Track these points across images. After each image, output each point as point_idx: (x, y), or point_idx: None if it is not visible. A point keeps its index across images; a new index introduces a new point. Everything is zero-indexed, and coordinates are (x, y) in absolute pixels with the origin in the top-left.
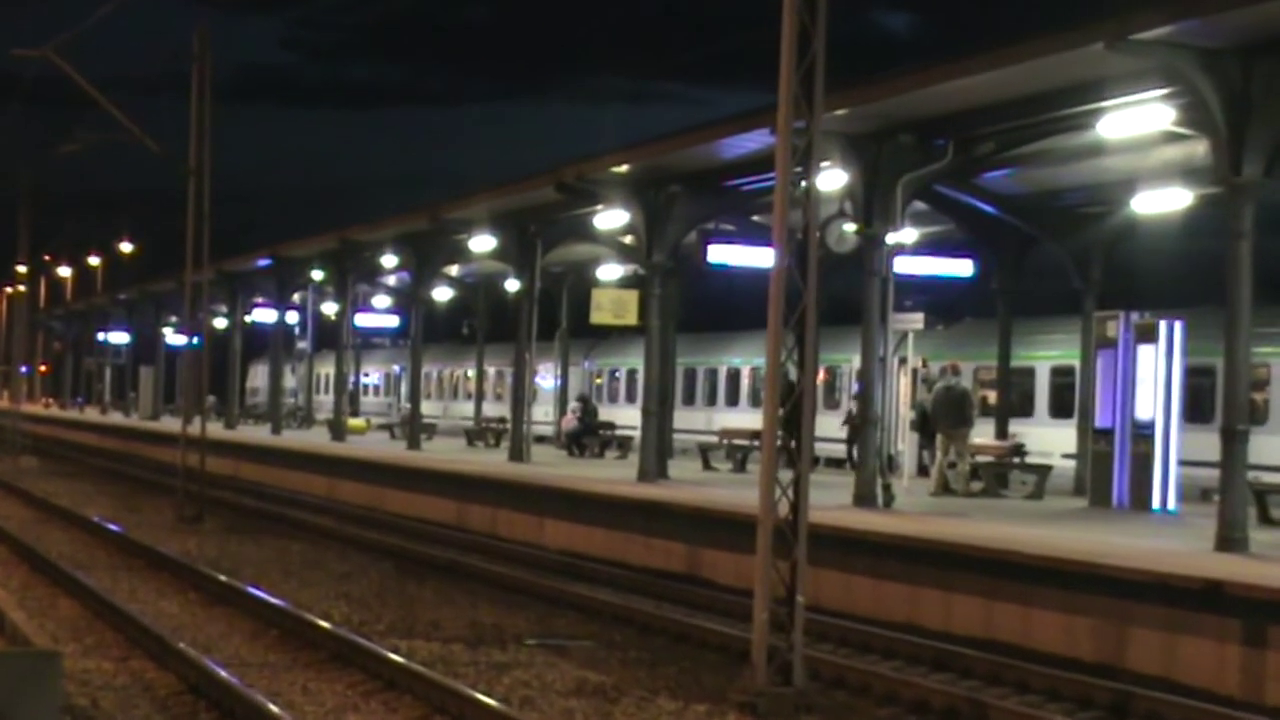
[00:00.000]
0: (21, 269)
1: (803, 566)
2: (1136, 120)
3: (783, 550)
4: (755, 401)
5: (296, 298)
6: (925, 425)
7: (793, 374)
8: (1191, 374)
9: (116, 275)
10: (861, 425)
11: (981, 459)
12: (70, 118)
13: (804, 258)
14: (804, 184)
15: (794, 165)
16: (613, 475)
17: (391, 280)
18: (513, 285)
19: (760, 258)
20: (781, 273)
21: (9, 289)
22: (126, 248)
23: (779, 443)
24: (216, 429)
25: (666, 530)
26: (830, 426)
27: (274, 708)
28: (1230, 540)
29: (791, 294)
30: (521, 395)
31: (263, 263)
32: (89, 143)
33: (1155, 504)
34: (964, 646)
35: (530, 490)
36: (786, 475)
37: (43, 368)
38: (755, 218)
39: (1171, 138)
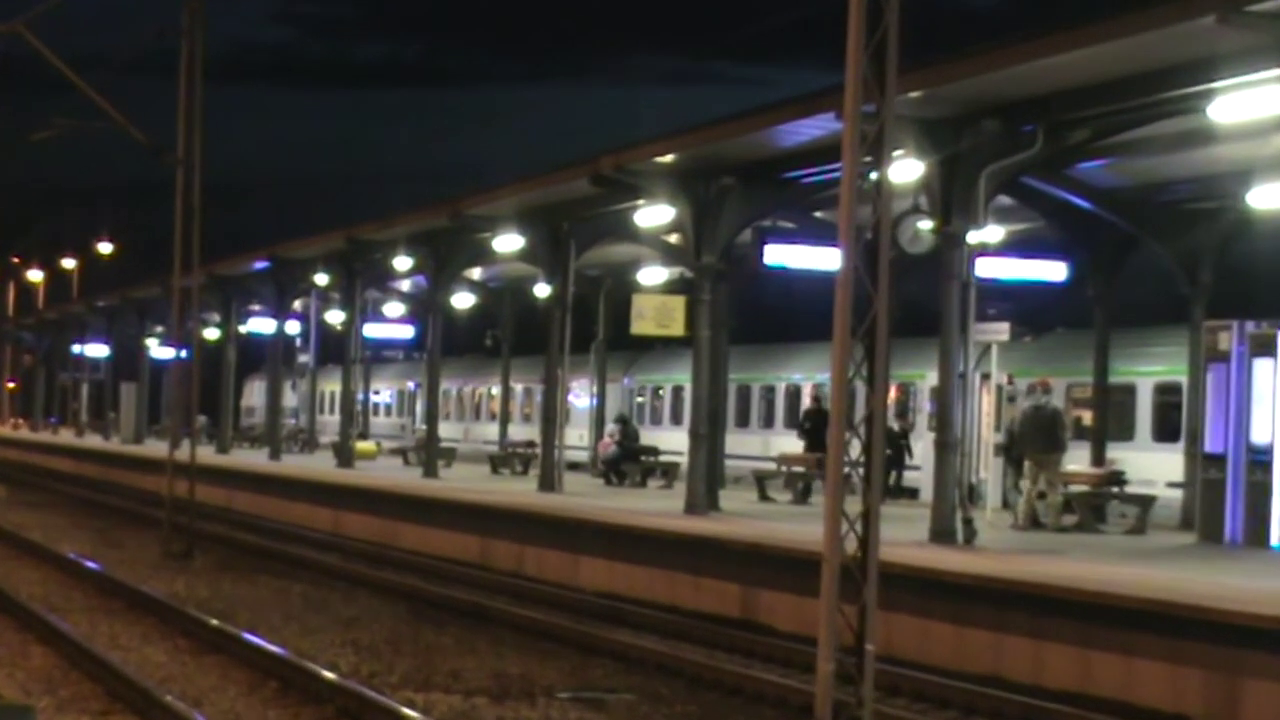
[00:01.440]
0: None
1: (873, 611)
2: (1252, 103)
3: (850, 592)
4: None
5: (298, 305)
6: (1013, 450)
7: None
8: None
9: (94, 279)
10: (939, 450)
11: (1075, 489)
12: (43, 102)
13: (873, 259)
14: (874, 176)
15: (863, 154)
16: (657, 507)
17: (405, 285)
18: (543, 291)
19: (824, 259)
20: (848, 276)
21: None
22: (106, 248)
23: (846, 470)
24: (207, 453)
25: (718, 569)
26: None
27: None
28: None
29: (860, 301)
30: (553, 416)
31: (260, 265)
32: (64, 130)
33: (1274, 540)
34: (1056, 702)
35: (563, 524)
36: (854, 507)
37: (11, 384)
38: (818, 214)
39: None
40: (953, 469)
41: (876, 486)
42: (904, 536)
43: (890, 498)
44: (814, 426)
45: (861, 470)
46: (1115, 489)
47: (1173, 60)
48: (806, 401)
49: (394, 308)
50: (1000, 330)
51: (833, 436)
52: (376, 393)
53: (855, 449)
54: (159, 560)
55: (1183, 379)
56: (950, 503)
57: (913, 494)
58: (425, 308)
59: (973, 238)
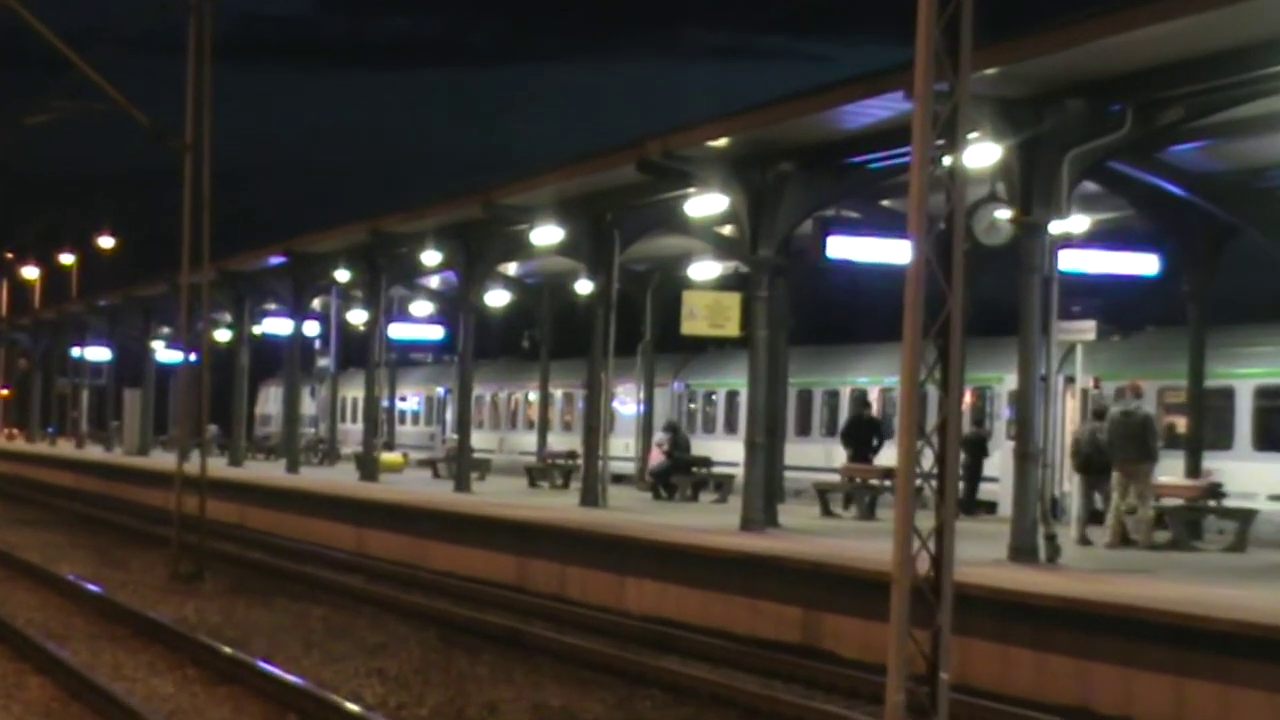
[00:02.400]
0: None
1: (947, 636)
2: None
3: (922, 616)
4: (886, 432)
5: (317, 304)
6: (1091, 463)
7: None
8: None
9: (95, 277)
10: (1019, 460)
11: (1168, 502)
12: (37, 83)
13: (947, 252)
14: (947, 160)
15: (935, 137)
16: (710, 523)
17: (434, 282)
18: (584, 287)
19: (892, 252)
20: (919, 270)
21: None
22: (107, 243)
23: (917, 482)
24: (219, 466)
25: (777, 591)
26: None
27: None
28: None
29: (932, 297)
30: (596, 424)
31: (275, 261)
32: (61, 113)
33: None
34: None
35: (608, 542)
36: (927, 522)
37: (4, 391)
38: (885, 202)
39: None
40: (1034, 481)
41: (950, 500)
42: (981, 555)
43: (966, 512)
44: (855, 434)
45: (934, 482)
46: (1212, 503)
47: (1275, 32)
48: (874, 409)
49: (422, 306)
50: (1085, 329)
51: (903, 446)
52: (403, 399)
53: (928, 460)
54: (166, 583)
55: None
56: (1031, 518)
57: (990, 508)
58: (456, 306)
59: (1055, 228)
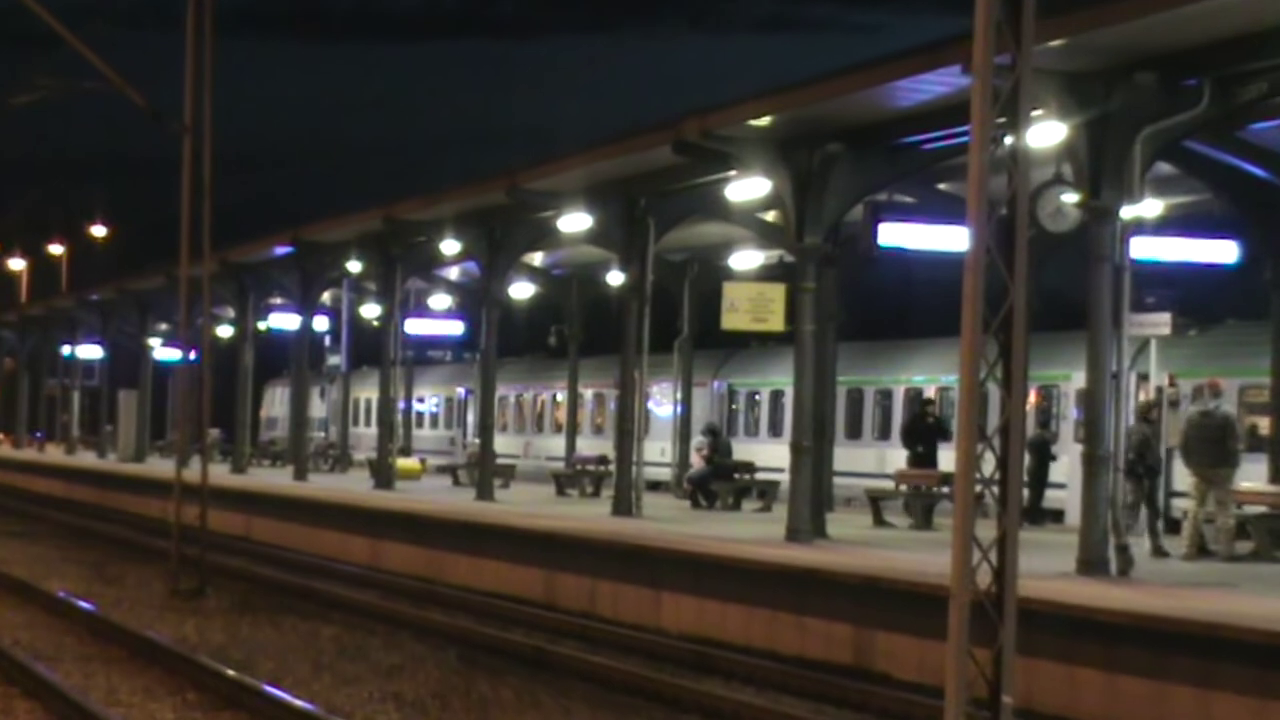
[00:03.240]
0: None
1: (1010, 655)
2: None
3: (983, 634)
4: (943, 435)
5: (327, 297)
6: (1133, 469)
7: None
8: None
9: (86, 269)
10: (1087, 465)
11: (1250, 509)
12: (25, 59)
13: (1009, 239)
14: (1009, 140)
15: (995, 115)
16: (753, 534)
17: (454, 273)
18: (617, 279)
19: (949, 239)
20: (979, 259)
21: None
22: (99, 232)
23: (977, 488)
24: (221, 473)
25: (826, 607)
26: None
27: None
28: None
29: (993, 288)
30: (630, 427)
31: (282, 251)
32: (50, 93)
33: None
34: None
35: (642, 555)
36: (988, 533)
37: None
38: (942, 186)
39: None
40: (1104, 487)
41: (1013, 508)
42: (1047, 567)
43: (1030, 521)
44: (916, 436)
45: (996, 489)
46: None
47: None
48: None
49: (440, 300)
50: (1160, 322)
51: (962, 449)
52: (420, 400)
53: (989, 464)
54: (165, 599)
55: None
56: (1101, 527)
57: (1057, 516)
58: (477, 300)
59: (1126, 213)
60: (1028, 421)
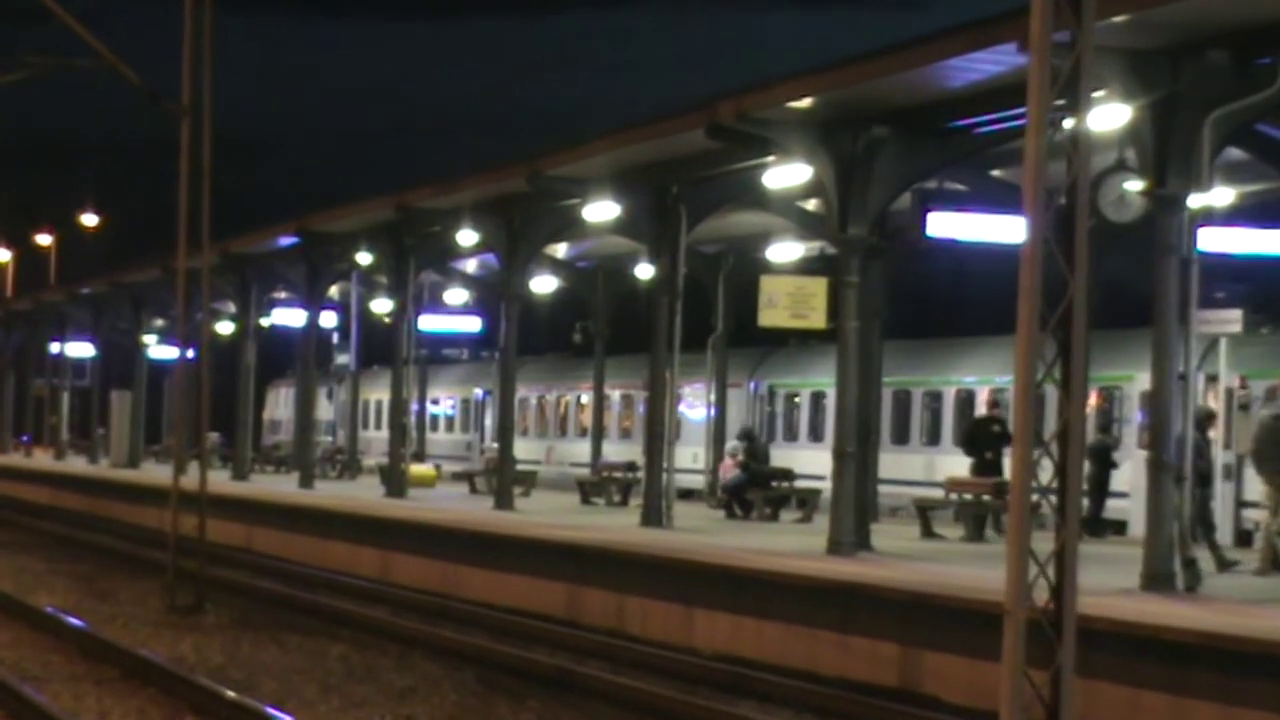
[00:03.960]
0: None
1: (1069, 677)
2: None
3: (1040, 654)
4: None
5: (334, 291)
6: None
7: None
8: None
9: (77, 260)
10: (1152, 472)
11: None
12: (10, 35)
13: (1068, 230)
14: (1068, 123)
15: (1054, 96)
16: (792, 546)
17: (471, 266)
18: (646, 272)
19: (1004, 230)
20: (1035, 251)
21: None
22: (90, 220)
23: (1034, 498)
24: (221, 480)
25: (871, 625)
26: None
27: None
28: None
29: (1051, 283)
30: (660, 430)
31: (286, 241)
32: (38, 71)
33: None
34: None
35: (673, 568)
36: (1045, 545)
37: None
38: (996, 173)
39: None
40: (1169, 496)
41: (1072, 518)
42: (1108, 582)
43: (1090, 533)
44: (979, 442)
45: (1054, 498)
46: None
47: None
48: (982, 410)
49: (457, 294)
50: (1230, 319)
51: (1017, 455)
52: (435, 402)
53: (1046, 472)
54: (161, 616)
55: None
56: (1167, 539)
57: (1119, 528)
58: (497, 294)
59: (1194, 201)
60: (1087, 426)
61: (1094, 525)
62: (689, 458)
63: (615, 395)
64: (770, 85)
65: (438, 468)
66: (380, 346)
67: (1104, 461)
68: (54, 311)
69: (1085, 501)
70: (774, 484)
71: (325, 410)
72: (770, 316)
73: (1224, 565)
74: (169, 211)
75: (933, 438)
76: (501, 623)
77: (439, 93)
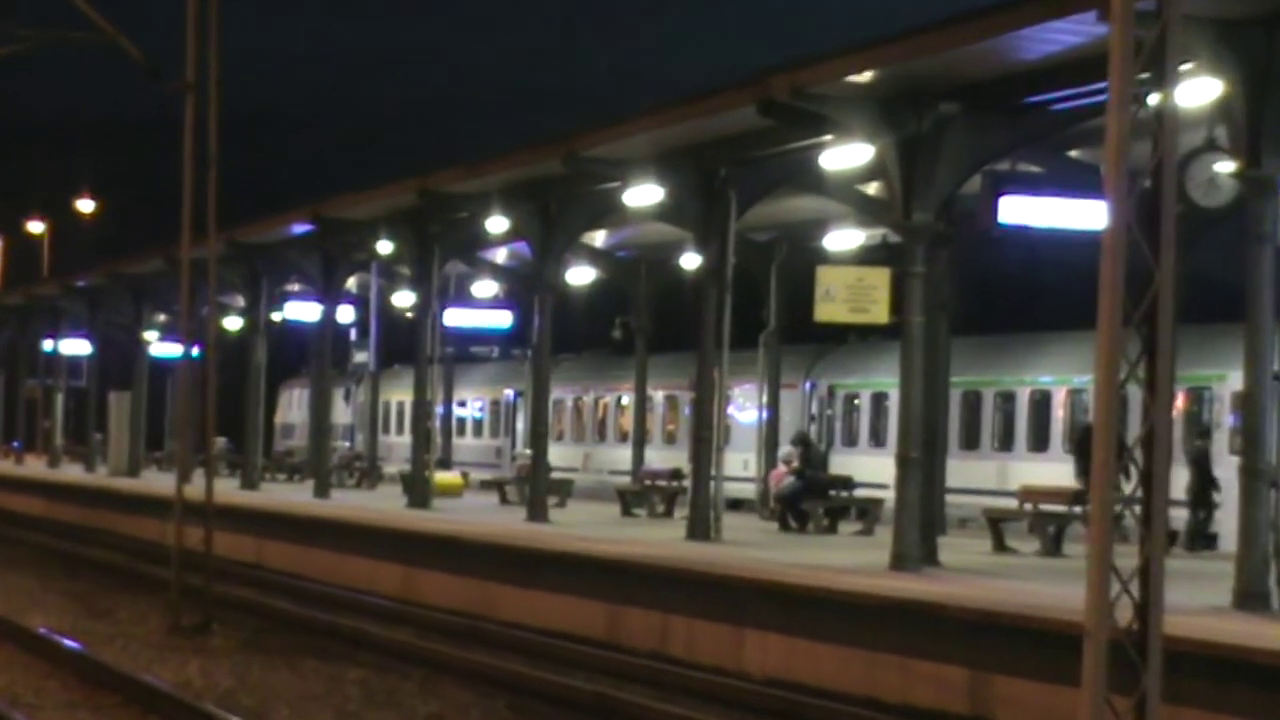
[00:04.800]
0: None
1: (1155, 704)
2: None
3: (1124, 679)
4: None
5: (352, 284)
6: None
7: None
8: None
9: (71, 250)
10: (1245, 481)
11: None
12: (4, 6)
13: (1153, 216)
14: (1153, 99)
15: (1137, 69)
16: (851, 561)
17: (501, 255)
18: (692, 262)
19: (1082, 216)
20: (1118, 239)
21: None
22: (87, 206)
23: (1118, 508)
24: (229, 489)
25: (937, 647)
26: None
27: None
28: None
29: (1134, 273)
30: (708, 435)
31: (300, 229)
32: (32, 45)
33: None
34: None
35: (722, 586)
36: (1129, 561)
37: None
38: (1074, 153)
39: None
40: (1265, 507)
41: (1158, 530)
42: (1197, 600)
43: (1191, 548)
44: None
45: (1138, 509)
46: None
47: None
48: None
49: (485, 287)
50: None
51: (1098, 461)
52: (462, 404)
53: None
54: (164, 637)
55: None
56: (1262, 553)
57: (1209, 541)
58: (529, 286)
59: None
60: (1183, 430)
61: (1199, 539)
62: (739, 465)
63: (658, 396)
64: (828, 58)
65: (465, 476)
66: (402, 344)
67: (1205, 470)
68: (47, 306)
69: (1189, 514)
70: (831, 493)
71: (342, 413)
72: (827, 310)
73: None
74: (172, 196)
75: (1005, 442)
76: (535, 645)
77: (465, 67)
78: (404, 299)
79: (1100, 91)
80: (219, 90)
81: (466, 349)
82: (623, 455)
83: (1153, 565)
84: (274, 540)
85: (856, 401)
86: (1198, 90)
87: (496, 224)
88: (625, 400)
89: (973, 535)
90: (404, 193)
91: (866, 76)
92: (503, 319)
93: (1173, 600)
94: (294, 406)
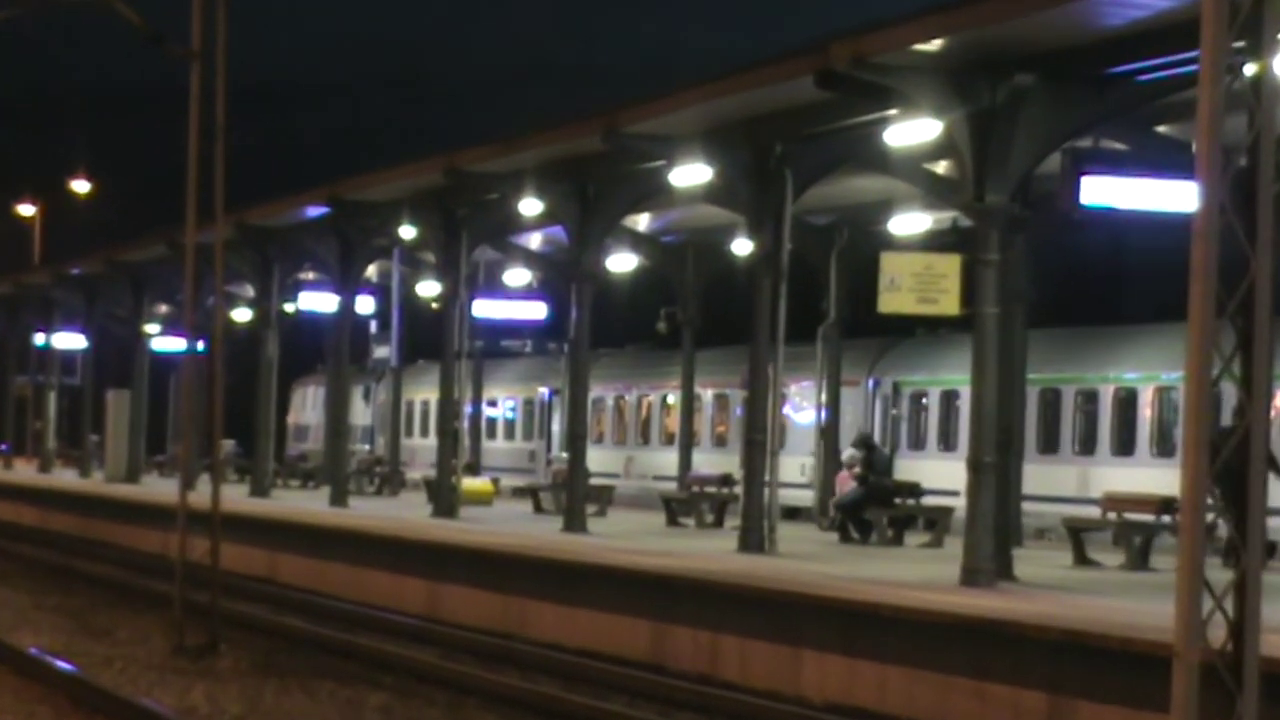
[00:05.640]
0: None
1: None
2: None
3: (1217, 704)
4: (1164, 448)
5: (372, 272)
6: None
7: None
8: None
9: (65, 234)
10: None
11: None
12: None
13: (1250, 197)
14: (1250, 69)
15: (1232, 37)
16: (919, 575)
17: (535, 241)
18: (743, 248)
19: (1171, 197)
20: (1210, 223)
21: None
22: (82, 187)
23: (1210, 518)
24: (238, 496)
25: (1013, 670)
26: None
27: None
28: None
29: (1229, 260)
30: (761, 437)
31: (315, 212)
32: (23, 9)
33: None
34: None
35: (777, 602)
36: (1222, 574)
37: None
38: (1162, 129)
39: None
40: None
41: (1256, 542)
42: None
43: None
44: None
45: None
46: None
47: None
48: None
49: (518, 275)
50: None
51: (1189, 466)
52: (491, 403)
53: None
54: (166, 658)
55: None
56: None
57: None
58: (565, 275)
59: None
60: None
61: None
62: (795, 470)
63: (707, 395)
64: (893, 24)
65: (495, 482)
66: (427, 337)
67: None
68: (38, 296)
69: None
70: (897, 501)
71: (361, 413)
72: (893, 301)
73: None
74: (175, 176)
75: (1087, 445)
76: (573, 666)
77: (495, 35)
78: (429, 288)
79: (1191, 61)
80: (227, 59)
81: (497, 343)
82: (668, 459)
83: (1249, 580)
84: (287, 552)
85: (924, 400)
86: None
87: (530, 206)
88: (671, 399)
89: (1051, 547)
90: (429, 172)
91: (935, 45)
92: (537, 310)
93: (1271, 618)
94: (308, 406)
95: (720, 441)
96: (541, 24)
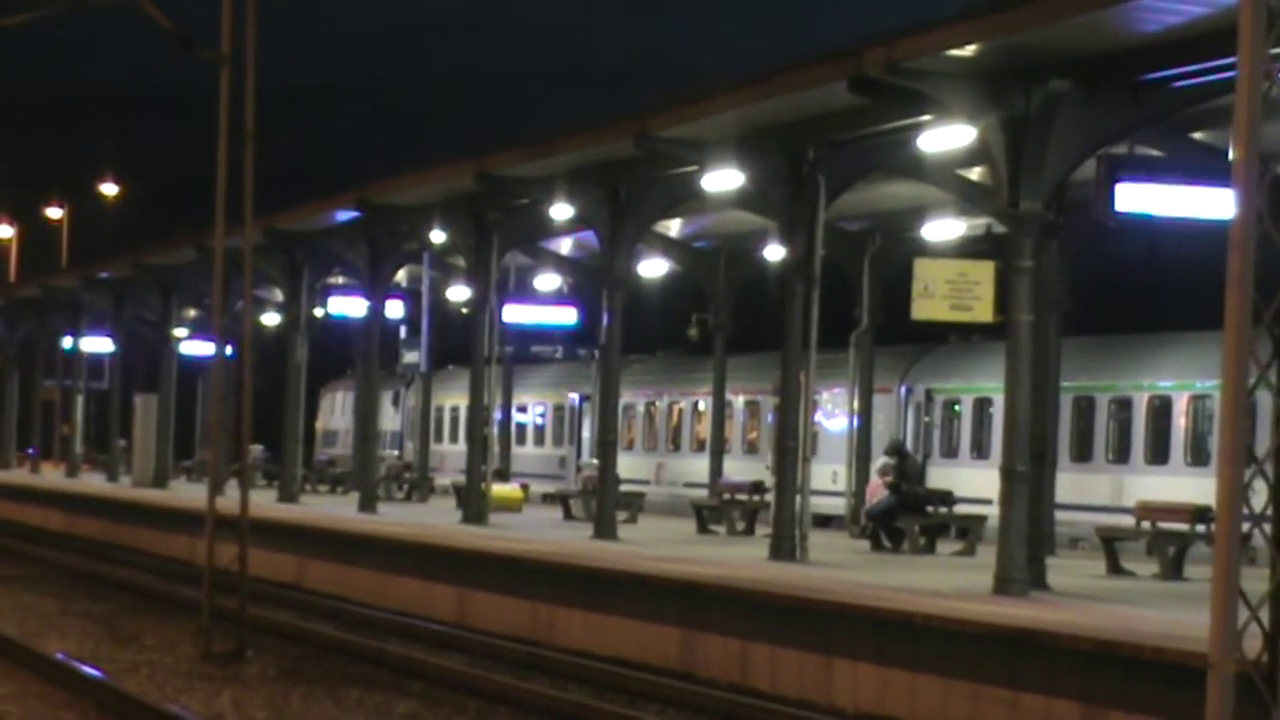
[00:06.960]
0: None
1: None
2: None
3: (1252, 715)
4: (1199, 457)
5: (402, 276)
6: None
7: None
8: None
9: (93, 238)
10: None
11: None
12: None
13: None
14: None
15: (1270, 43)
16: (952, 584)
17: (566, 246)
18: (776, 254)
19: (1208, 204)
20: (1247, 230)
21: None
22: (110, 190)
23: (1245, 528)
24: (266, 501)
25: (1047, 680)
26: None
27: None
28: None
29: (1266, 267)
30: (793, 444)
31: (345, 216)
32: (51, 10)
33: None
34: None
35: (809, 611)
36: (1258, 585)
37: None
38: (1199, 135)
39: None
40: None
41: None
42: None
43: None
44: None
45: (1269, 527)
46: None
47: None
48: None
49: (548, 280)
50: None
51: (1224, 475)
52: (521, 409)
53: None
54: (194, 665)
55: None
56: None
57: None
58: (597, 280)
59: None
60: None
61: None
62: (827, 477)
63: (739, 401)
64: (927, 29)
65: (525, 488)
66: (456, 343)
67: None
68: (66, 299)
69: None
70: (929, 509)
71: (390, 419)
72: (926, 308)
73: None
74: (204, 180)
75: (1121, 454)
76: (603, 675)
77: (525, 36)
78: (459, 293)
79: (1228, 67)
80: (256, 62)
81: (527, 349)
82: (699, 466)
83: None
84: (315, 559)
85: (957, 408)
86: None
87: (561, 211)
88: (702, 406)
89: (1085, 556)
90: (459, 176)
91: (969, 50)
92: (567, 316)
93: None
94: (337, 411)
95: (752, 448)
96: (573, 28)
